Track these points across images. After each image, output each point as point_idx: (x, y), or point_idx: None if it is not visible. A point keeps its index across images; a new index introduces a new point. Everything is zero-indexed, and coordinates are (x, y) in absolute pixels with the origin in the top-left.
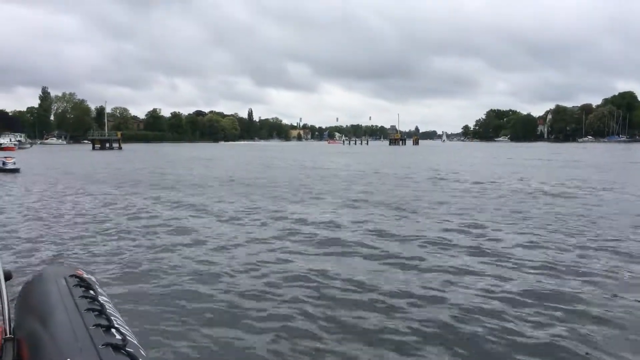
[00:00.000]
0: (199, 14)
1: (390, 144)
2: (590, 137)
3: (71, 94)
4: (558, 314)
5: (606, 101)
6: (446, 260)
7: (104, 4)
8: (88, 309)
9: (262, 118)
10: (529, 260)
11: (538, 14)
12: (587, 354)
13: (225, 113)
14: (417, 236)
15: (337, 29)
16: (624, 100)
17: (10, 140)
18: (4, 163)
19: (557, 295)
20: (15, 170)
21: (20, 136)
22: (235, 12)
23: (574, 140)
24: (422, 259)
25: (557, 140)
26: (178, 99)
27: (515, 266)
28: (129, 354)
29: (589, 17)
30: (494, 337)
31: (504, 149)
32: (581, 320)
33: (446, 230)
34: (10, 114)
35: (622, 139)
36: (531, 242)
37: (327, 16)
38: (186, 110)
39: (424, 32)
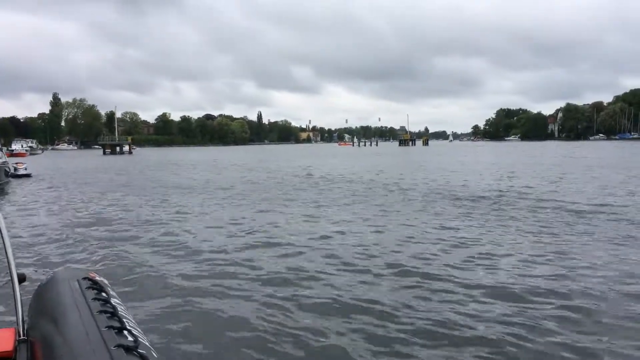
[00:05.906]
0: (196, 19)
1: (399, 145)
2: (601, 135)
3: (82, 100)
4: None
5: (617, 98)
6: None
7: (100, 11)
8: (100, 311)
9: (271, 121)
10: None
11: (541, 11)
12: None
13: (234, 116)
14: None
15: (338, 30)
16: (635, 98)
17: (22, 147)
18: (15, 169)
19: None
20: (26, 176)
21: (32, 142)
22: (233, 16)
23: (585, 138)
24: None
25: (568, 138)
26: (185, 102)
27: None
28: (140, 355)
29: (593, 13)
30: None
31: (531, 149)
32: None
33: None
34: (21, 120)
35: (634, 136)
36: None
37: (327, 18)
38: (193, 114)
39: (426, 33)
